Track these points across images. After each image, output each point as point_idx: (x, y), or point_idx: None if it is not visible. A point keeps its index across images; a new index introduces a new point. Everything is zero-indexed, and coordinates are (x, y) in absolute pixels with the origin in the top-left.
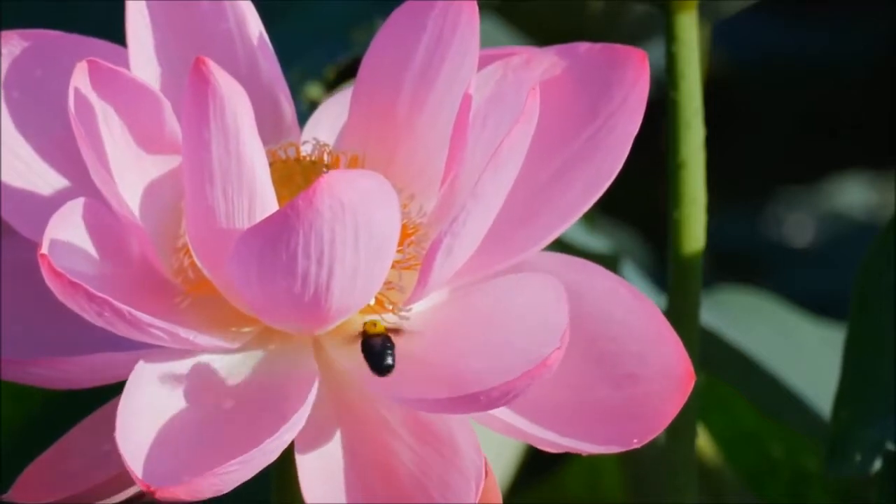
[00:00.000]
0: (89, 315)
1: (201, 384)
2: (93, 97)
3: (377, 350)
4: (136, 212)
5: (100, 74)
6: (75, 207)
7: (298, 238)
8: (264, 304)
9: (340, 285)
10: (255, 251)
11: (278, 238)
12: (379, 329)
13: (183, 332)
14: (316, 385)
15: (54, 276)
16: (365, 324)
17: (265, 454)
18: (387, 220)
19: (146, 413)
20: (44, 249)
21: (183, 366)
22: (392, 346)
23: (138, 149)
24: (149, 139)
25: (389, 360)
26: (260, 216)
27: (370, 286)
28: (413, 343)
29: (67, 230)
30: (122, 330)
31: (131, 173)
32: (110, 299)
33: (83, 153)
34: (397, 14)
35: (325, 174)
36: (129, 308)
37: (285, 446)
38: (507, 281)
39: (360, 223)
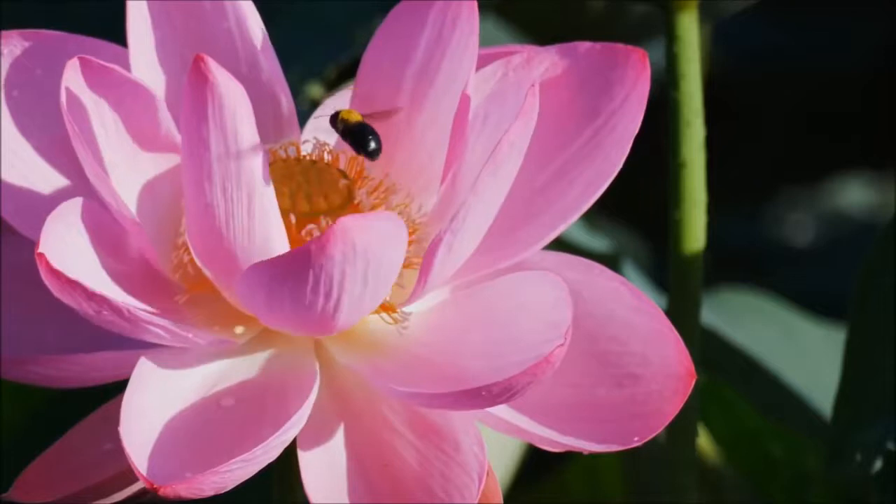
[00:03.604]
0: (87, 313)
1: (203, 382)
2: (86, 94)
3: (358, 132)
4: (134, 208)
5: (92, 72)
6: (72, 206)
7: (308, 278)
8: (269, 319)
9: (347, 311)
10: (264, 282)
11: (287, 276)
12: (355, 117)
13: (182, 330)
14: (317, 383)
15: (52, 275)
16: (340, 113)
17: (267, 452)
18: (395, 254)
19: (149, 411)
20: (41, 248)
21: (185, 363)
22: (372, 129)
23: (134, 145)
24: (144, 136)
25: (373, 143)
26: (259, 214)
27: (374, 304)
28: (415, 341)
29: (65, 229)
30: (120, 328)
31: (127, 170)
32: (108, 296)
33: (77, 150)
34: (396, 12)
35: (340, 220)
36: (127, 305)
37: (287, 444)
38: (508, 279)
39: (370, 262)
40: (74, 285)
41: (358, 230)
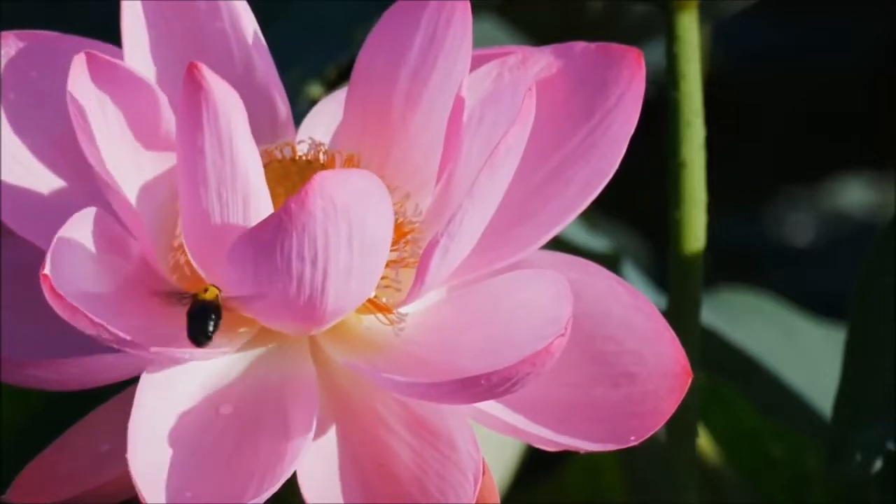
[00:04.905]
0: (90, 333)
1: (203, 392)
2: (91, 89)
3: (197, 314)
4: (134, 206)
5: (98, 67)
6: (80, 223)
7: (292, 240)
8: (261, 306)
9: (335, 286)
10: (249, 256)
11: (273, 242)
12: (210, 296)
13: (179, 353)
14: (316, 409)
15: (55, 298)
16: (197, 292)
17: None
18: (380, 219)
19: (153, 430)
20: (46, 270)
21: (184, 372)
22: (216, 315)
23: (136, 143)
24: (146, 134)
25: (210, 327)
26: (255, 218)
27: (365, 286)
28: (412, 342)
29: (71, 250)
30: (121, 348)
31: (129, 167)
32: (107, 325)
33: (82, 145)
34: (390, 13)
35: (316, 175)
36: (126, 335)
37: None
38: (506, 278)
39: (352, 223)
40: (75, 310)
41: (335, 184)
